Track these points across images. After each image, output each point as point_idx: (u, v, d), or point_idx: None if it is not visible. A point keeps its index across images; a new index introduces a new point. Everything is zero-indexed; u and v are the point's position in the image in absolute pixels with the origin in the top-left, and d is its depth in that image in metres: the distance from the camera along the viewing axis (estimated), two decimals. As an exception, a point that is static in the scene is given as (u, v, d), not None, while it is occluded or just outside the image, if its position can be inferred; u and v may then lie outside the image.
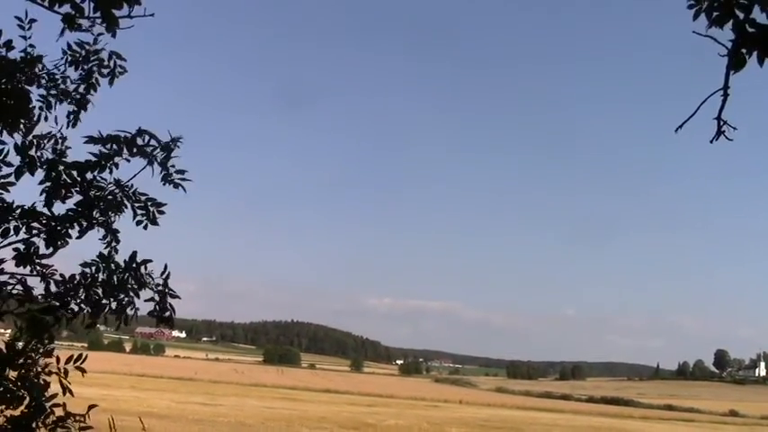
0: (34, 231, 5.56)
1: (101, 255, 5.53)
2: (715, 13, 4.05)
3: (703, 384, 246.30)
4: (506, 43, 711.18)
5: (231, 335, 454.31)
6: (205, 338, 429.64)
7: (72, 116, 6.22)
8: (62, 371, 5.78)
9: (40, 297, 5.54)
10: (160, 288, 5.52)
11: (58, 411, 5.71)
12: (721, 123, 4.37)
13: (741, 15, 4.02)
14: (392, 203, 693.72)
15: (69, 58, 6.08)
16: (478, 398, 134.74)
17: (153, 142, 5.63)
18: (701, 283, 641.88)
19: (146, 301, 5.54)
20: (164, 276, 5.55)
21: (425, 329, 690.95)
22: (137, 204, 5.72)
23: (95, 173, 5.64)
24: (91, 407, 5.97)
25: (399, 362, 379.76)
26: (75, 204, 5.62)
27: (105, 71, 6.13)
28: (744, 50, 4.06)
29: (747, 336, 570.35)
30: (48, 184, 5.75)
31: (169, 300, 5.55)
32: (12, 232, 5.53)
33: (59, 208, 5.64)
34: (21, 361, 5.62)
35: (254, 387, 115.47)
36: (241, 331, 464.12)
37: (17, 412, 5.64)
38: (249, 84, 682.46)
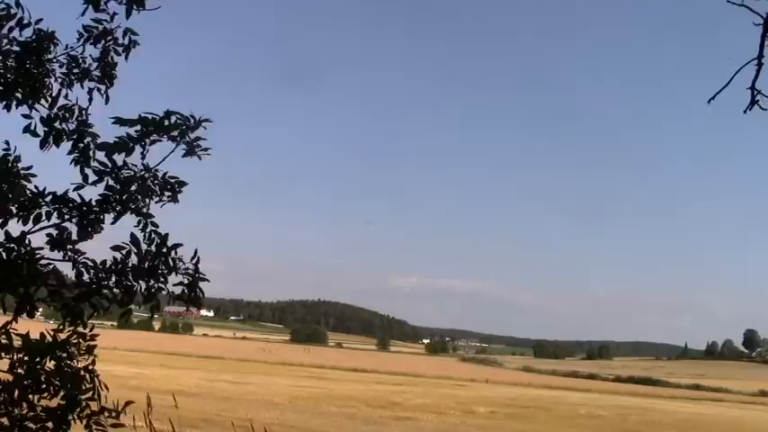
0: (66, 217, 5.58)
1: (133, 238, 5.51)
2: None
3: (732, 364, 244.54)
4: (509, 18, 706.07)
5: (258, 314, 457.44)
6: (233, 317, 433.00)
7: (103, 93, 6.23)
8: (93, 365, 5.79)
9: (72, 283, 5.54)
10: (191, 272, 5.53)
11: (93, 405, 5.75)
12: (755, 93, 4.31)
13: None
14: (415, 182, 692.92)
15: (86, 37, 6.08)
16: (505, 377, 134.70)
17: (180, 122, 5.62)
18: (731, 261, 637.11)
19: (174, 285, 5.51)
20: (194, 261, 5.53)
21: (451, 309, 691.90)
22: (166, 187, 5.73)
23: (123, 155, 5.63)
24: (127, 403, 5.98)
25: (426, 341, 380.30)
26: (106, 188, 5.62)
27: (120, 48, 6.15)
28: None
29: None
30: (76, 154, 5.77)
31: (199, 283, 5.55)
32: (44, 217, 5.55)
33: (91, 193, 5.66)
34: (59, 353, 5.64)
35: (281, 366, 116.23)
36: (268, 310, 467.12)
37: (53, 403, 5.68)
38: (262, 61, 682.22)
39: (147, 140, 5.59)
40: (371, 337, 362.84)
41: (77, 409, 5.61)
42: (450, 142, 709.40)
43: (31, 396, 5.59)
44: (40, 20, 5.97)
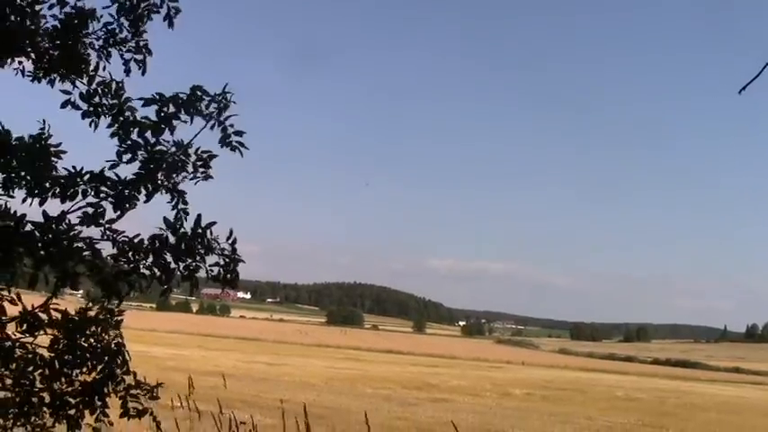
0: (102, 195, 5.63)
1: (166, 221, 5.55)
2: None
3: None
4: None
5: (295, 296, 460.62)
6: (270, 300, 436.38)
7: (139, 64, 6.25)
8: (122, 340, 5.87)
9: (110, 262, 5.58)
10: (227, 253, 5.55)
11: (129, 379, 5.83)
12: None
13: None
14: (450, 163, 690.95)
15: (120, 6, 6.09)
16: (541, 359, 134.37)
17: (206, 99, 5.65)
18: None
19: (210, 266, 5.55)
20: (230, 242, 5.56)
21: (487, 291, 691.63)
22: (198, 162, 5.75)
23: (155, 135, 5.68)
24: (158, 384, 6.06)
25: (462, 323, 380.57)
26: (140, 165, 5.67)
27: (160, 16, 6.13)
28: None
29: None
30: (116, 126, 5.81)
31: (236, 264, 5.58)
32: (80, 196, 5.60)
33: (125, 171, 5.70)
34: (93, 328, 5.71)
35: (317, 347, 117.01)
36: (305, 293, 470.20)
37: (89, 378, 5.76)
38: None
39: (177, 119, 5.65)
40: (407, 320, 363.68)
41: (113, 383, 5.69)
42: (481, 122, 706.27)
43: (68, 371, 5.68)
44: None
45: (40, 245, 5.27)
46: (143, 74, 6.24)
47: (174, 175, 5.67)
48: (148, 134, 5.67)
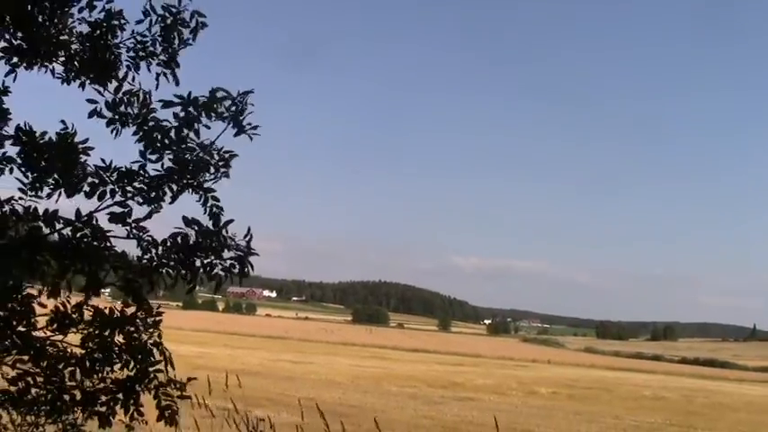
0: (129, 194, 5.71)
1: (185, 219, 5.63)
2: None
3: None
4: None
5: (320, 295, 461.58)
6: (295, 298, 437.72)
7: (169, 77, 6.30)
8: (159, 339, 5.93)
9: (135, 261, 5.67)
10: (243, 248, 5.61)
11: (161, 377, 5.90)
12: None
13: None
14: (473, 161, 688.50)
15: (153, 20, 6.13)
16: (567, 358, 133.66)
17: (227, 101, 5.72)
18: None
19: (228, 259, 5.63)
20: (247, 239, 5.63)
21: (513, 289, 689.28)
22: (220, 163, 5.83)
23: (178, 137, 5.77)
24: (189, 379, 6.11)
25: (487, 321, 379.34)
26: (165, 169, 5.75)
27: (187, 30, 6.18)
28: None
29: None
30: (141, 134, 5.86)
31: (249, 258, 5.64)
32: (108, 195, 5.68)
33: (151, 171, 5.79)
34: (128, 327, 5.79)
35: (343, 346, 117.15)
36: (330, 291, 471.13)
37: (122, 375, 5.84)
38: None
39: (199, 121, 5.75)
40: (433, 318, 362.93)
41: (145, 381, 5.77)
42: (505, 117, 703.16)
43: (99, 368, 5.76)
44: (111, 0, 6.06)
45: (69, 246, 5.37)
46: (177, 85, 6.27)
47: (201, 175, 5.76)
48: (172, 134, 5.76)
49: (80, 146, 5.77)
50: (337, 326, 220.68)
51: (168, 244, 5.61)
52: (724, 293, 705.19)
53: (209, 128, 5.80)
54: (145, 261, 5.63)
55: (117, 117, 5.97)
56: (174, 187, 5.74)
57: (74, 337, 5.79)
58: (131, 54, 6.20)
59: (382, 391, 43.61)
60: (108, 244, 5.55)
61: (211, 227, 5.64)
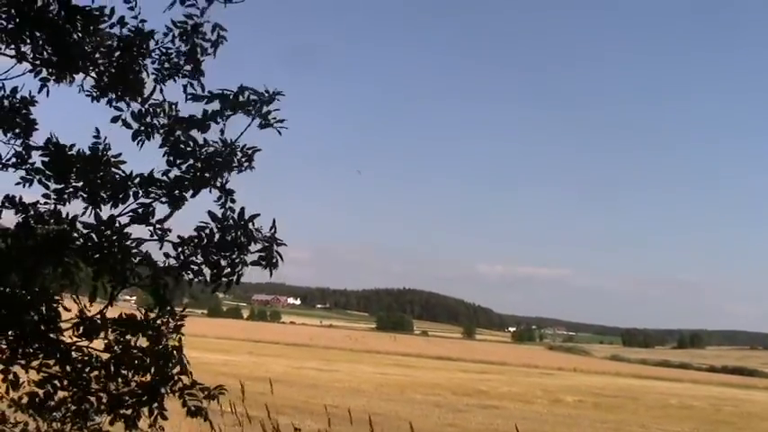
0: (152, 196, 5.76)
1: (212, 215, 5.68)
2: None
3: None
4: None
5: (344, 302, 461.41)
6: (319, 306, 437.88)
7: (195, 89, 6.33)
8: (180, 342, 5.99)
9: (159, 261, 5.73)
10: (268, 238, 5.64)
11: (185, 379, 5.95)
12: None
13: None
14: (499, 167, 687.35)
15: (177, 33, 6.16)
16: (593, 366, 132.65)
17: (254, 98, 5.77)
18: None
19: (253, 252, 5.67)
20: (272, 231, 5.66)
21: (538, 296, 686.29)
22: (243, 159, 5.88)
23: (202, 132, 5.83)
24: (217, 387, 6.12)
25: (512, 329, 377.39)
26: (188, 167, 5.81)
27: (208, 44, 6.23)
28: None
29: None
30: (167, 147, 5.91)
31: (276, 248, 5.66)
32: (131, 198, 5.72)
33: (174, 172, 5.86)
34: (151, 332, 5.86)
35: (367, 353, 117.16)
36: (354, 299, 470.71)
37: (147, 378, 5.90)
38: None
39: (224, 116, 5.81)
40: (457, 326, 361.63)
41: (170, 384, 5.82)
42: (529, 123, 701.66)
43: (125, 372, 5.83)
44: (144, 21, 6.05)
45: (93, 248, 5.44)
46: (202, 91, 6.32)
47: (223, 173, 5.84)
48: (195, 133, 5.83)
49: (113, 159, 5.82)
50: (361, 333, 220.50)
51: (194, 242, 5.66)
52: (752, 301, 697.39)
53: (234, 121, 5.86)
54: (171, 259, 5.69)
55: (143, 128, 6.03)
56: (201, 183, 5.81)
57: (98, 342, 5.86)
58: (156, 66, 6.26)
59: (407, 398, 43.59)
60: (132, 244, 5.62)
61: (233, 221, 5.69)
